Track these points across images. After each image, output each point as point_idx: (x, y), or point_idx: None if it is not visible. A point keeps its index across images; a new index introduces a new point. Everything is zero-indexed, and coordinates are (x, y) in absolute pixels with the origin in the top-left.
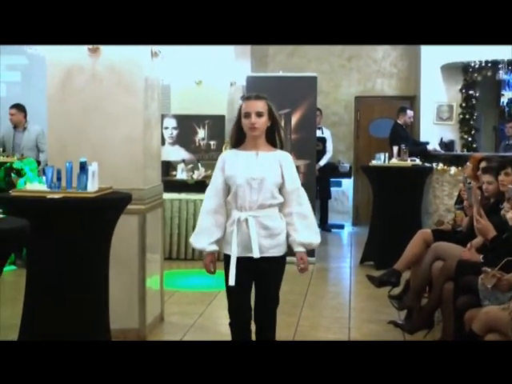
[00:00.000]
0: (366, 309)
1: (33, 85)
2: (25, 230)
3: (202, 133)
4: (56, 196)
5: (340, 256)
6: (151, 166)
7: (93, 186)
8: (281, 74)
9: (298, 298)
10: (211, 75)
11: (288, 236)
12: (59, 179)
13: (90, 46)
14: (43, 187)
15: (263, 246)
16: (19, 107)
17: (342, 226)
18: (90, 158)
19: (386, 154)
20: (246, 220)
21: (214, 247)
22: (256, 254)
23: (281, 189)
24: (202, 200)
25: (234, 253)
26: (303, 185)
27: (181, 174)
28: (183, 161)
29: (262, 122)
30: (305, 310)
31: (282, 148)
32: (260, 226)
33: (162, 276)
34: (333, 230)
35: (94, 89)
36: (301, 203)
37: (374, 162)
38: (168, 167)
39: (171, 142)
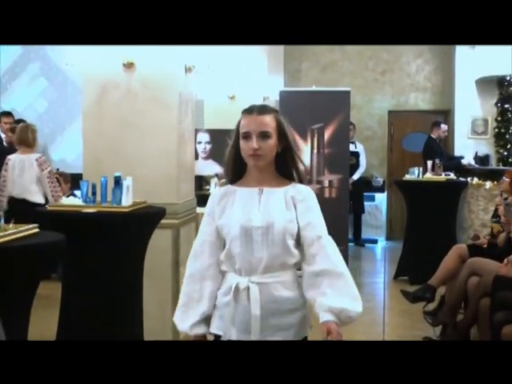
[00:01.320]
0: (400, 324)
1: (66, 101)
2: (61, 244)
3: None
4: (91, 210)
5: (373, 271)
6: (185, 181)
7: (127, 201)
8: (314, 88)
9: None
10: (244, 90)
11: (313, 303)
12: (94, 194)
13: (125, 62)
14: (78, 202)
15: (270, 327)
16: (21, 122)
17: (375, 241)
18: (124, 173)
19: (420, 169)
20: (248, 289)
21: (201, 330)
22: (255, 336)
23: (297, 239)
24: None
25: (228, 335)
26: (336, 199)
27: (214, 189)
28: (216, 175)
29: (269, 147)
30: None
31: (301, 182)
32: (268, 298)
33: None
34: (366, 245)
35: (128, 104)
36: (329, 256)
37: (407, 177)
38: (201, 182)
39: (204, 157)
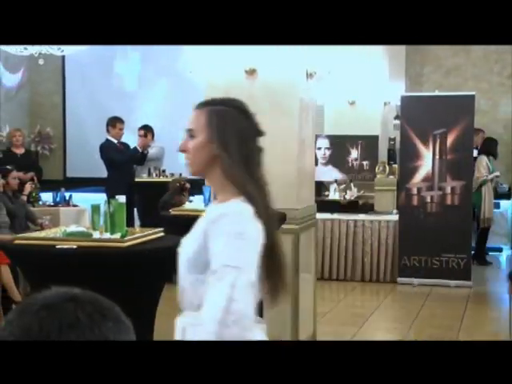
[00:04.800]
0: None
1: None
2: None
3: (354, 153)
4: None
5: (498, 280)
6: (305, 186)
7: None
8: (436, 93)
9: (453, 322)
10: (365, 95)
11: None
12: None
13: (247, 69)
14: (201, 206)
15: None
16: (148, 128)
17: (500, 249)
18: None
19: None
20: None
21: None
22: None
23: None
24: (354, 220)
25: None
26: (459, 207)
27: (333, 195)
28: (336, 181)
29: (192, 148)
30: (461, 336)
31: (245, 195)
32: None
33: (315, 296)
34: (490, 253)
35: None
36: (206, 300)
37: None
38: (321, 187)
39: (324, 163)
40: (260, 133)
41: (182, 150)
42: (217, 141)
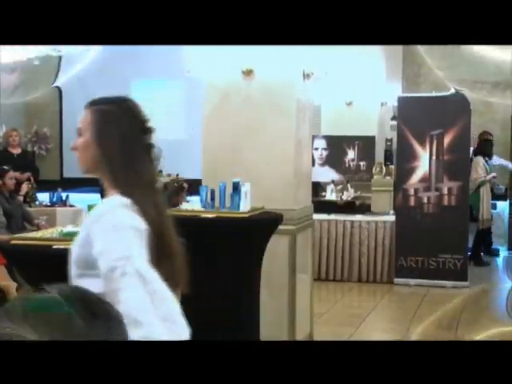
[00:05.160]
0: None
1: (189, 108)
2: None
3: (351, 154)
4: (210, 215)
5: (495, 281)
6: (302, 187)
7: (245, 206)
8: (433, 93)
9: (450, 322)
10: (362, 96)
11: None
12: (213, 199)
13: (244, 69)
14: (197, 207)
15: None
16: None
17: (497, 250)
18: (242, 179)
19: None
20: None
21: None
22: None
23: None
24: (351, 221)
25: None
26: (455, 207)
27: (330, 195)
28: (333, 181)
29: (79, 146)
30: (458, 336)
31: (122, 193)
32: None
33: (312, 296)
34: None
35: (247, 111)
36: (119, 300)
37: None
38: (317, 188)
39: (321, 163)
40: (147, 130)
41: (73, 149)
42: (97, 140)
